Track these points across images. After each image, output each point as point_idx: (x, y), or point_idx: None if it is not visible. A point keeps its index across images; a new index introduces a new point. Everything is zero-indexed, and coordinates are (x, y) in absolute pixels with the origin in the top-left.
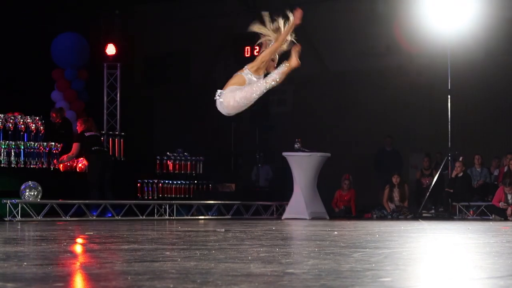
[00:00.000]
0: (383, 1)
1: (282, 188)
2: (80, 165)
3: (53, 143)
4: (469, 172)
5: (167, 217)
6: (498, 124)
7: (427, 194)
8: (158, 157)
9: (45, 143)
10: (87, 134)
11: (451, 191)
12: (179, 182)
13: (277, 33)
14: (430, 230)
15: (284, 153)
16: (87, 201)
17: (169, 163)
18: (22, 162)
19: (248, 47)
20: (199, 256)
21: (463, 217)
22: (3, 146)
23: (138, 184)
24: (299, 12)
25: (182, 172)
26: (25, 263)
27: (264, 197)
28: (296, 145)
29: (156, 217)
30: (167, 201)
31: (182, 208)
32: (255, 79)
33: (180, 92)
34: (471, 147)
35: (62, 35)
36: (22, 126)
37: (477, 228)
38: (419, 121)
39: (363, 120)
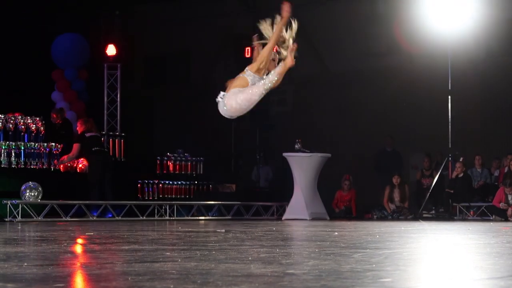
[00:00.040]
0: (383, 2)
1: (283, 189)
2: (80, 165)
3: (54, 144)
4: (469, 173)
5: (167, 217)
6: (498, 124)
7: (428, 195)
8: (158, 157)
9: (45, 144)
10: (87, 134)
11: (452, 191)
12: (179, 182)
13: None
14: (431, 230)
15: (285, 154)
16: (87, 202)
17: (170, 163)
18: (23, 163)
19: (249, 47)
20: (200, 257)
21: (463, 218)
22: (3, 147)
23: (139, 185)
24: (286, 5)
25: (183, 172)
26: (25, 264)
27: (264, 198)
28: (296, 146)
29: (156, 217)
30: (168, 202)
31: (182, 209)
32: (257, 79)
33: (180, 92)
34: (472, 148)
35: (62, 36)
36: (23, 126)
37: (478, 229)
38: (420, 122)
39: (363, 121)
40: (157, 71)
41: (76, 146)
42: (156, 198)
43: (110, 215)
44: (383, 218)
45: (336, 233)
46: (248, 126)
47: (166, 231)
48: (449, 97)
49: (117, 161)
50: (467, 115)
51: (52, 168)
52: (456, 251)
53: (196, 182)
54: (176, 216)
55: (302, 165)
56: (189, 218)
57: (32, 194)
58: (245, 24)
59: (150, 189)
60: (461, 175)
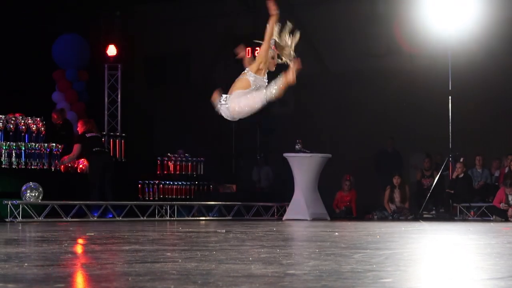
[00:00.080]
0: (383, 2)
1: (283, 189)
2: (81, 166)
3: (54, 144)
4: (470, 173)
5: (168, 218)
6: (499, 124)
7: (428, 195)
8: (158, 158)
9: (46, 144)
10: (88, 135)
11: (452, 192)
12: (180, 183)
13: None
14: (431, 231)
15: (285, 154)
16: (88, 202)
17: (170, 164)
18: (23, 163)
19: (249, 48)
20: (200, 257)
21: (463, 218)
22: (4, 147)
23: (139, 185)
24: (270, 3)
25: (183, 173)
26: (26, 264)
27: (264, 198)
28: (297, 146)
29: (157, 218)
30: (168, 202)
31: (183, 209)
32: (259, 80)
33: (180, 92)
34: (472, 148)
35: (62, 36)
36: (23, 127)
37: (478, 229)
38: (420, 122)
39: (363, 121)
40: (157, 71)
41: (76, 147)
42: (156, 198)
43: (111, 216)
44: (383, 218)
45: (336, 233)
46: (248, 128)
47: (166, 232)
48: (450, 97)
49: (118, 161)
50: (468, 115)
51: (52, 168)
52: (457, 252)
53: (196, 182)
54: (177, 217)
55: (303, 166)
56: (190, 218)
57: (33, 194)
58: (245, 24)
59: (151, 189)
60: (462, 175)
